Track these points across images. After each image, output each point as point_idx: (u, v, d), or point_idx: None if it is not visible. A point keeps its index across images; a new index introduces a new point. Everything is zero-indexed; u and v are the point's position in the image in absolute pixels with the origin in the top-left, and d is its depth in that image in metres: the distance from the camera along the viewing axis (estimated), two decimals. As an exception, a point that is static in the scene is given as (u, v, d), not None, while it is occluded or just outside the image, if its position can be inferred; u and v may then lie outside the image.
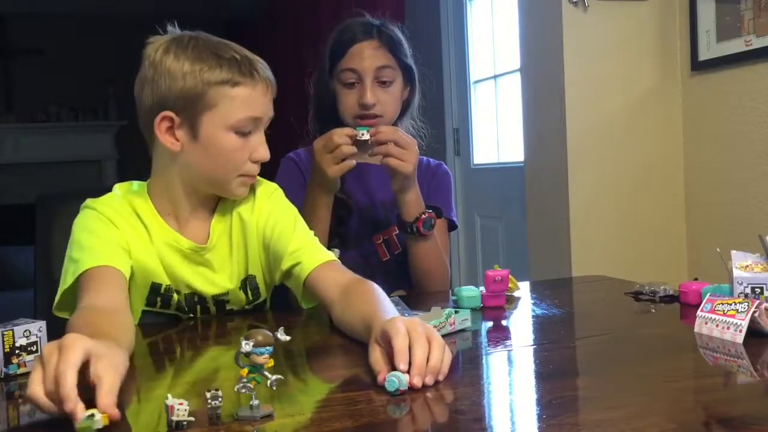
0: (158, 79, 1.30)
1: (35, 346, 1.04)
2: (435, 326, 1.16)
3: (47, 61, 6.71)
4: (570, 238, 2.44)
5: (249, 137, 1.32)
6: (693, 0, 2.36)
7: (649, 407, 0.83)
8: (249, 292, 1.44)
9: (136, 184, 1.41)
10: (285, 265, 1.39)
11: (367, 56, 1.65)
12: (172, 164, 1.34)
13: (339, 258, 1.46)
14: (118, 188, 1.40)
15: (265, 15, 6.10)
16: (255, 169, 1.36)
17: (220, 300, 1.42)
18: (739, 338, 1.06)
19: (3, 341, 1.02)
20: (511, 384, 0.99)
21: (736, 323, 1.07)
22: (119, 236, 1.33)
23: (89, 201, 1.37)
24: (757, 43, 2.13)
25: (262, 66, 1.33)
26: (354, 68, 1.65)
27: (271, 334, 0.86)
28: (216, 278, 1.41)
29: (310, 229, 1.45)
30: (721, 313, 1.09)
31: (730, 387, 0.96)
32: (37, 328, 1.05)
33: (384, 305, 1.16)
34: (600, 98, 2.45)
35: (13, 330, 1.03)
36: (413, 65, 1.74)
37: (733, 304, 1.09)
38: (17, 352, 1.03)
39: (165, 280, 1.37)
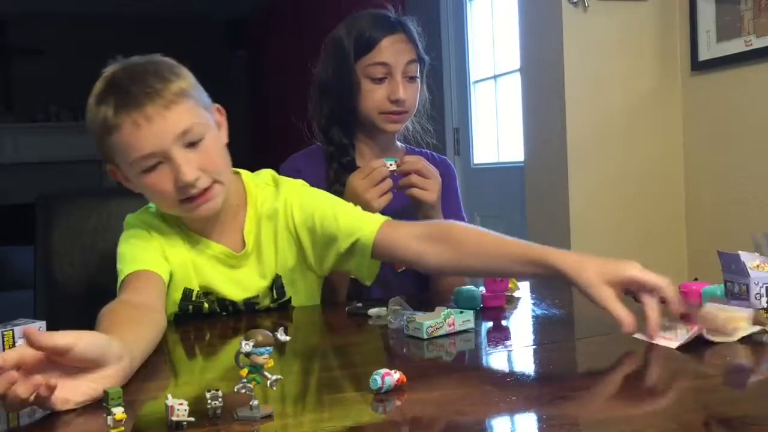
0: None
1: (35, 346, 1.04)
2: (431, 326, 1.16)
3: (47, 61, 6.71)
4: (570, 238, 2.44)
5: (160, 168, 1.24)
6: (693, 0, 2.36)
7: (649, 407, 0.83)
8: (275, 292, 1.44)
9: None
10: (343, 246, 1.37)
11: (398, 51, 1.61)
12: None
13: None
14: (147, 208, 1.42)
15: (265, 15, 6.10)
16: (191, 190, 1.26)
17: (250, 303, 1.42)
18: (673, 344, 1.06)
19: (3, 341, 1.02)
20: (511, 384, 0.99)
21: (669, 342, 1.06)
22: (155, 243, 1.34)
23: (129, 217, 1.40)
24: (757, 43, 2.14)
25: (135, 93, 1.22)
26: (385, 62, 1.60)
27: (271, 334, 0.86)
28: (248, 282, 1.41)
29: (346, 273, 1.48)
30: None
31: (730, 387, 0.96)
32: (37, 328, 1.05)
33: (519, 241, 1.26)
34: (600, 98, 2.45)
35: (13, 330, 1.03)
36: (426, 57, 1.71)
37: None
38: (17, 352, 1.02)
39: (196, 286, 1.38)
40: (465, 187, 3.76)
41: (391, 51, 1.61)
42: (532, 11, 2.63)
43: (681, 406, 0.86)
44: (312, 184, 1.62)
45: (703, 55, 2.35)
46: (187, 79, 1.30)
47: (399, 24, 1.65)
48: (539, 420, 0.83)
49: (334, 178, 1.65)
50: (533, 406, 0.87)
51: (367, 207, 1.47)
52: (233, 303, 1.41)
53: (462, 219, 1.73)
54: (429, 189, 1.53)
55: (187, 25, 6.99)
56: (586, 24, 2.43)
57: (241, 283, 1.40)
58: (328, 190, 1.62)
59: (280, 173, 1.67)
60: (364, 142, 1.70)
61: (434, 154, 1.78)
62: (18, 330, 1.03)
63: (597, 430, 0.79)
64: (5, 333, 1.02)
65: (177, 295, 1.38)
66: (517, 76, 2.90)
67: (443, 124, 3.82)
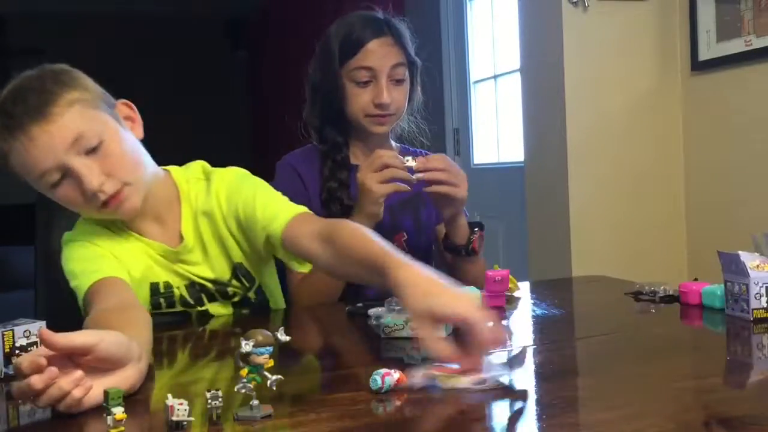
0: None
1: (35, 346, 1.04)
2: (388, 326, 1.16)
3: (47, 61, 6.70)
4: (570, 238, 2.44)
5: (65, 181, 1.23)
6: (693, 0, 2.36)
7: (649, 407, 0.83)
8: (243, 279, 1.44)
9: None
10: (261, 238, 1.37)
11: (383, 54, 1.60)
12: None
13: None
14: (82, 219, 1.40)
15: (265, 15, 6.10)
16: (101, 197, 1.24)
17: (222, 288, 1.42)
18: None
19: (3, 341, 1.02)
20: (512, 384, 0.99)
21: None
22: (102, 251, 1.33)
23: (66, 235, 1.38)
24: (757, 43, 2.14)
25: (19, 113, 1.19)
26: (369, 66, 1.59)
27: (271, 334, 0.86)
28: (203, 275, 1.41)
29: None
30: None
31: (730, 387, 0.96)
32: (37, 328, 1.05)
33: (384, 245, 1.12)
34: (600, 98, 2.45)
35: (13, 330, 1.03)
36: (417, 60, 1.70)
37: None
38: (17, 352, 1.03)
39: (161, 277, 1.38)
40: (465, 187, 3.76)
41: (376, 55, 1.60)
42: (532, 11, 2.63)
43: (681, 406, 0.86)
44: (307, 182, 1.63)
45: (703, 55, 2.35)
46: (74, 86, 1.25)
47: (387, 26, 1.63)
48: (539, 420, 0.83)
49: (329, 175, 1.65)
50: (533, 406, 0.87)
51: (368, 192, 1.46)
52: (204, 286, 1.40)
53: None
54: (460, 185, 1.50)
55: (187, 25, 6.99)
56: (586, 24, 2.43)
57: (197, 275, 1.40)
58: (323, 188, 1.63)
59: (276, 172, 1.68)
60: (356, 142, 1.70)
61: (429, 153, 1.78)
62: (18, 330, 1.03)
63: (597, 430, 0.79)
64: (5, 333, 1.02)
65: (144, 293, 1.37)
66: (517, 76, 2.90)
67: (443, 124, 3.82)
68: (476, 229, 1.60)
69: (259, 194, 1.39)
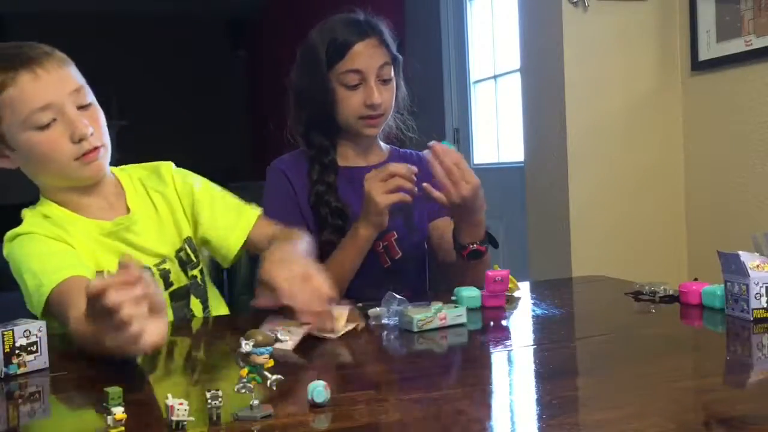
0: None
1: (35, 346, 1.04)
2: (421, 320, 1.17)
3: (47, 61, 6.71)
4: (570, 238, 2.44)
5: (54, 125, 1.29)
6: (693, 0, 2.36)
7: (649, 407, 0.83)
8: (191, 254, 1.47)
9: (37, 204, 1.42)
10: (217, 238, 1.48)
11: (370, 55, 1.60)
12: (31, 177, 1.40)
13: None
14: (26, 211, 1.41)
15: (265, 15, 6.10)
16: (86, 146, 1.31)
17: (163, 271, 1.42)
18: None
19: (3, 341, 1.01)
20: (511, 384, 0.99)
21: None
22: (62, 245, 1.33)
23: (10, 233, 1.36)
24: (757, 43, 2.14)
25: (27, 53, 1.28)
26: (358, 69, 1.59)
27: (271, 334, 0.86)
28: (149, 247, 1.42)
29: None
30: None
31: (730, 387, 0.96)
32: (37, 328, 1.05)
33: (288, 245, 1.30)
34: (600, 98, 2.46)
35: (13, 330, 1.03)
36: (399, 56, 1.69)
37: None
38: (17, 352, 1.03)
39: (105, 265, 1.36)
40: (465, 187, 3.76)
41: (364, 57, 1.60)
42: (532, 11, 2.63)
43: (681, 406, 0.86)
44: (296, 186, 1.65)
45: (703, 55, 2.35)
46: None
47: (370, 28, 1.63)
48: (539, 420, 0.83)
49: (317, 178, 1.65)
50: (533, 406, 0.87)
51: (371, 201, 1.47)
52: (147, 270, 1.39)
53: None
54: (469, 181, 1.46)
55: (187, 25, 6.99)
56: (586, 24, 2.43)
57: (141, 250, 1.41)
58: (311, 191, 1.64)
59: (266, 176, 1.70)
60: (345, 144, 1.70)
61: (418, 153, 1.77)
62: (18, 330, 1.03)
63: (597, 430, 0.79)
64: (5, 333, 1.02)
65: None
66: (517, 76, 2.90)
67: (443, 124, 3.82)
68: (486, 242, 1.57)
69: (216, 193, 1.52)
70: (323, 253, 1.56)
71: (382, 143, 1.77)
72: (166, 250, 1.44)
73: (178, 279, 1.44)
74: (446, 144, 1.47)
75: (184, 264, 1.46)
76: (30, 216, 1.39)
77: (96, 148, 1.33)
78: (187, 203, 1.49)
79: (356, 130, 1.65)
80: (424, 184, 1.47)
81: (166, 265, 1.43)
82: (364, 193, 1.49)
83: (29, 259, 1.31)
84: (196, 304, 1.46)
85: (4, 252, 1.36)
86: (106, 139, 1.37)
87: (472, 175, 1.46)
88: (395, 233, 1.66)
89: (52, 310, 1.24)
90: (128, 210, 1.43)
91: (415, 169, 1.48)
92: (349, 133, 1.67)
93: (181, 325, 1.41)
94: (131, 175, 1.49)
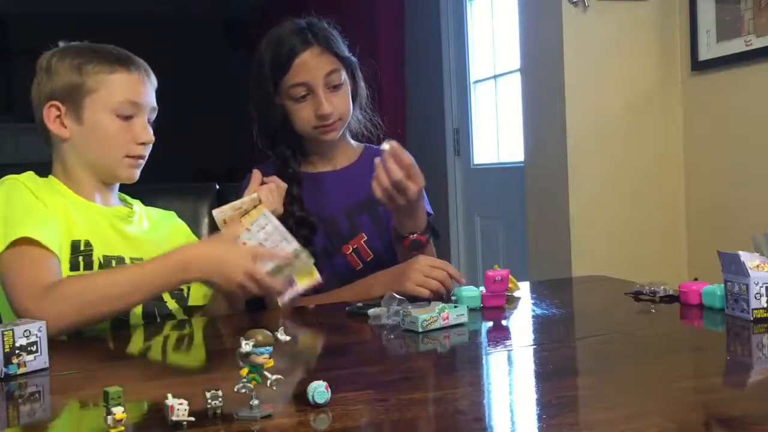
0: (46, 79, 1.44)
1: (35, 346, 1.04)
2: (426, 320, 1.17)
3: (47, 61, 6.71)
4: (570, 238, 2.44)
5: (130, 121, 1.44)
6: (693, 0, 2.36)
7: (649, 407, 0.83)
8: None
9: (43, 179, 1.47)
10: None
11: (314, 66, 1.57)
12: (67, 153, 1.45)
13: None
14: (31, 173, 1.45)
15: (265, 15, 6.11)
16: (140, 150, 1.46)
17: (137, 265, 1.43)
18: None
19: (3, 341, 1.01)
20: (511, 384, 0.99)
21: None
22: (51, 213, 1.36)
23: (6, 177, 1.41)
24: (757, 43, 2.14)
25: (140, 61, 1.48)
26: (303, 82, 1.57)
27: (271, 334, 0.86)
28: (138, 242, 1.46)
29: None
30: None
31: (730, 387, 0.96)
32: (37, 328, 1.05)
33: None
34: (600, 98, 2.46)
35: (13, 330, 1.03)
36: (351, 56, 1.65)
37: None
38: (17, 352, 1.03)
39: (83, 236, 1.38)
40: (465, 187, 3.76)
41: (307, 68, 1.57)
42: (532, 11, 2.63)
43: (681, 406, 0.86)
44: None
45: (703, 55, 2.35)
46: None
47: (311, 35, 1.59)
48: (539, 420, 0.83)
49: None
50: (533, 406, 0.87)
51: (402, 278, 1.46)
52: (121, 260, 1.41)
53: (428, 210, 1.69)
54: (417, 183, 1.45)
55: (187, 25, 6.99)
56: (586, 24, 2.43)
57: (129, 240, 1.46)
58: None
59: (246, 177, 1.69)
60: (313, 149, 1.69)
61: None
62: (18, 330, 1.03)
63: (597, 430, 0.79)
64: (5, 333, 1.02)
65: (67, 254, 1.36)
66: (517, 76, 2.90)
67: (443, 124, 3.82)
68: (427, 232, 1.56)
69: None
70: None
71: (353, 142, 1.75)
72: (152, 251, 1.43)
73: None
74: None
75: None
76: (32, 174, 1.44)
77: (143, 156, 1.47)
78: None
79: (314, 138, 1.64)
80: (373, 184, 1.47)
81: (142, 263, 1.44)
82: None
83: (11, 204, 1.35)
84: (171, 302, 1.47)
85: None
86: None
87: (419, 176, 1.47)
88: (364, 235, 1.64)
89: (5, 264, 1.28)
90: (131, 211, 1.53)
91: (463, 281, 1.47)
92: (313, 141, 1.66)
93: (181, 325, 1.41)
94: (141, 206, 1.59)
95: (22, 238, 1.28)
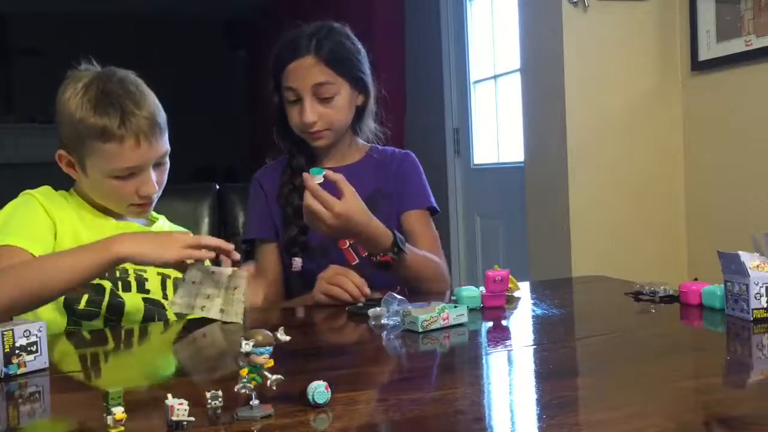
0: (58, 119, 1.47)
1: (35, 346, 1.04)
2: (426, 320, 1.17)
3: (47, 61, 6.71)
4: (570, 238, 2.44)
5: (130, 179, 1.44)
6: (693, 0, 2.36)
7: (649, 407, 0.83)
8: (171, 288, 1.47)
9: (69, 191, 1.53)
10: None
11: (302, 75, 1.60)
12: (82, 184, 1.51)
13: (303, 267, 1.59)
14: (49, 186, 1.51)
15: (265, 15, 6.10)
16: (145, 199, 1.47)
17: (139, 275, 1.46)
18: None
19: (3, 341, 1.01)
20: (511, 384, 0.99)
21: None
22: (45, 219, 1.42)
23: (27, 191, 1.48)
24: (757, 43, 2.14)
25: (141, 118, 1.40)
26: (292, 87, 1.62)
27: (271, 334, 0.86)
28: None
29: None
30: None
31: (730, 387, 0.96)
32: (37, 328, 1.05)
33: None
34: (600, 98, 2.46)
35: (13, 330, 1.03)
36: (363, 73, 1.68)
37: None
38: (17, 352, 1.03)
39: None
40: (465, 187, 3.76)
41: (297, 76, 1.61)
42: (532, 11, 2.63)
43: (681, 406, 0.86)
44: (268, 191, 1.72)
45: (703, 55, 2.35)
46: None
47: (311, 45, 1.61)
48: (539, 420, 0.83)
49: (286, 180, 1.71)
50: (533, 406, 0.87)
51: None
52: (125, 271, 1.44)
53: (432, 204, 1.72)
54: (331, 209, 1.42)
55: (187, 25, 6.99)
56: (586, 24, 2.43)
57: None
58: (280, 192, 1.70)
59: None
60: (314, 148, 1.71)
61: (395, 150, 1.79)
62: (18, 330, 1.03)
63: (597, 430, 0.79)
64: (5, 333, 1.02)
65: None
66: (517, 76, 2.90)
67: (443, 124, 3.82)
68: (394, 251, 1.53)
69: None
70: (288, 251, 1.65)
71: (360, 141, 1.77)
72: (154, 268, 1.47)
73: (156, 292, 1.47)
74: (315, 172, 1.45)
75: (165, 285, 1.48)
76: (49, 187, 1.51)
77: (150, 202, 1.49)
78: None
79: (306, 140, 1.68)
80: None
81: (146, 275, 1.46)
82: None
83: (14, 214, 1.41)
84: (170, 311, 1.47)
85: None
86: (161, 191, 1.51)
87: (333, 204, 1.41)
88: (347, 241, 1.64)
89: None
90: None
91: (367, 291, 1.46)
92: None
93: (180, 325, 1.41)
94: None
95: (7, 245, 1.34)
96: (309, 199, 1.41)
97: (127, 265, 1.43)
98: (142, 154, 1.42)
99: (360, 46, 1.70)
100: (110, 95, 1.41)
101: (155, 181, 1.46)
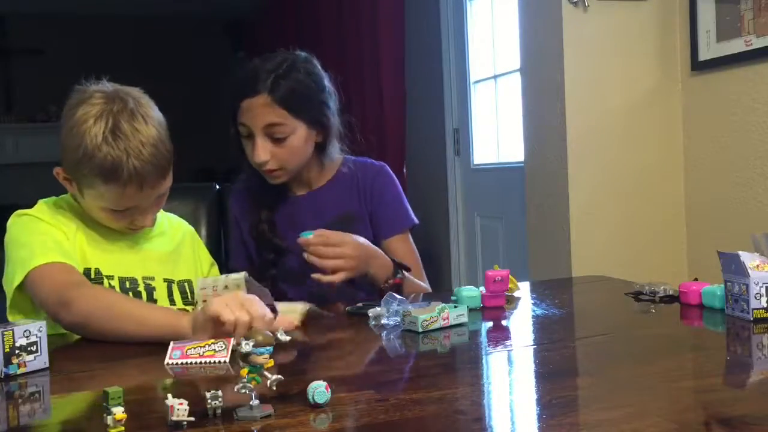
0: (63, 138, 1.42)
1: (35, 346, 1.04)
2: (426, 320, 1.18)
3: (47, 61, 6.71)
4: (570, 238, 2.44)
5: (126, 212, 1.41)
6: (693, 0, 2.36)
7: (649, 407, 0.83)
8: (177, 293, 1.48)
9: (59, 197, 1.50)
10: None
11: (255, 115, 1.56)
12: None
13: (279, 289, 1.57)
14: (42, 201, 1.48)
15: (265, 15, 6.11)
16: (138, 229, 1.46)
17: (148, 284, 1.46)
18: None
19: (3, 341, 1.02)
20: (511, 384, 0.99)
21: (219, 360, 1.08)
22: (58, 232, 1.40)
23: (20, 211, 1.45)
24: (757, 43, 2.13)
25: (147, 164, 1.35)
26: (244, 123, 1.59)
27: (271, 334, 0.86)
28: (149, 258, 1.48)
29: None
30: (198, 356, 1.09)
31: (730, 387, 0.96)
32: (37, 328, 1.05)
33: None
34: (600, 98, 2.45)
35: (13, 330, 1.03)
36: (321, 113, 1.62)
37: (206, 346, 1.09)
38: (17, 352, 1.03)
39: (95, 263, 1.41)
40: (465, 187, 3.76)
41: (249, 114, 1.57)
42: (532, 11, 2.63)
43: (681, 406, 0.86)
44: (241, 221, 1.73)
45: (703, 55, 2.35)
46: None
47: (271, 85, 1.56)
48: (539, 420, 0.83)
49: (254, 209, 1.72)
50: (533, 406, 0.87)
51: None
52: (134, 281, 1.44)
53: (412, 221, 1.72)
54: (343, 255, 1.49)
55: (187, 25, 6.98)
56: (586, 24, 2.43)
57: (141, 258, 1.47)
58: (250, 225, 1.71)
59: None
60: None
61: (370, 163, 1.77)
62: (18, 330, 1.03)
63: (597, 430, 0.79)
64: (5, 333, 1.02)
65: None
66: (517, 76, 2.89)
67: (443, 124, 3.82)
68: (398, 274, 1.58)
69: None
70: (263, 275, 1.62)
71: (336, 155, 1.72)
72: (167, 272, 1.48)
73: (163, 300, 1.47)
74: (305, 235, 1.49)
75: (166, 293, 1.48)
76: (43, 204, 1.47)
77: (146, 226, 1.48)
78: (205, 267, 1.61)
79: (263, 175, 1.65)
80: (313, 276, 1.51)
81: (154, 283, 1.46)
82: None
83: (30, 234, 1.39)
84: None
85: (8, 223, 1.43)
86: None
87: (344, 236, 1.51)
88: None
89: (32, 285, 1.31)
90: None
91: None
92: None
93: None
94: (176, 224, 1.62)
95: (40, 266, 1.32)
96: (322, 249, 1.47)
97: (137, 275, 1.44)
98: (143, 196, 1.39)
99: (324, 80, 1.64)
100: (118, 132, 1.35)
101: (149, 219, 1.46)
